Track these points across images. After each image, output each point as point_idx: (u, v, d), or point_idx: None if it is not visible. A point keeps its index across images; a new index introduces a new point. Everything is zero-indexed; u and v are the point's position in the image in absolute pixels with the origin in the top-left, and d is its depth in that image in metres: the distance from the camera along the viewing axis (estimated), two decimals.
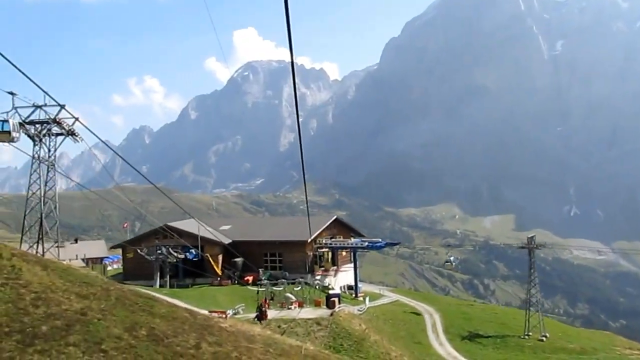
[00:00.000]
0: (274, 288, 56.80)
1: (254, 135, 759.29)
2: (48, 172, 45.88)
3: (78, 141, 44.70)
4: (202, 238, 73.57)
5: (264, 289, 54.54)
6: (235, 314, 47.50)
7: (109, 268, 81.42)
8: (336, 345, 40.68)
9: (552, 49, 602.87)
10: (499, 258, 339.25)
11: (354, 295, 72.98)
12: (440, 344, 54.52)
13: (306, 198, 28.58)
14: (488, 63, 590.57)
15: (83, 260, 79.59)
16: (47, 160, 44.45)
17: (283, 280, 61.09)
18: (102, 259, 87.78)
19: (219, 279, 70.12)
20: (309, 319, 44.90)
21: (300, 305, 52.29)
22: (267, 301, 51.01)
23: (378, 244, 71.76)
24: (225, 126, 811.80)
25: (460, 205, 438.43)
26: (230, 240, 77.62)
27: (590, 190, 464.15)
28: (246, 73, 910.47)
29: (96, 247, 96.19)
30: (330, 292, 60.25)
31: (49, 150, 44.25)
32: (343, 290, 73.07)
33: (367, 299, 65.98)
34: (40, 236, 43.62)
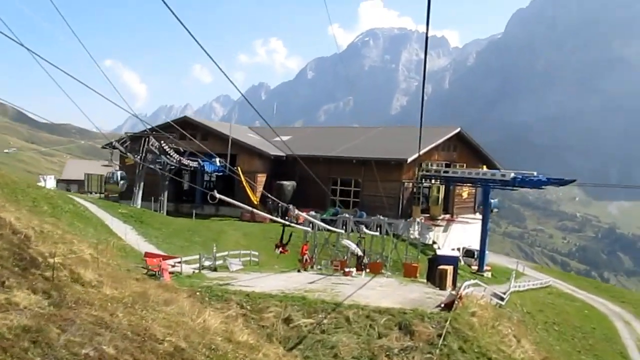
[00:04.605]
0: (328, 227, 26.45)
1: (366, 97, 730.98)
2: None
3: None
4: (237, 144, 43.51)
5: (308, 228, 27.40)
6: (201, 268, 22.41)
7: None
8: None
9: None
10: (625, 250, 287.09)
11: (474, 266, 39.77)
12: None
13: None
14: (627, 34, 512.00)
15: None
16: None
17: (358, 223, 28.90)
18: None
19: (253, 210, 37.45)
20: (385, 310, 15.67)
21: (375, 269, 25.58)
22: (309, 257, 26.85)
23: (535, 179, 37.65)
24: (340, 87, 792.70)
25: (582, 187, 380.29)
26: (283, 154, 46.67)
27: None
28: (367, 38, 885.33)
29: None
30: (439, 253, 27.59)
31: None
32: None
33: (513, 277, 32.99)
34: None
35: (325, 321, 14.94)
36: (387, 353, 13.52)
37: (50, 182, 62.38)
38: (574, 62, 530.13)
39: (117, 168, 46.27)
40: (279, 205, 36.95)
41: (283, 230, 24.43)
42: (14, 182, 31.65)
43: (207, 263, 23.16)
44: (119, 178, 42.40)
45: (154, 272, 19.13)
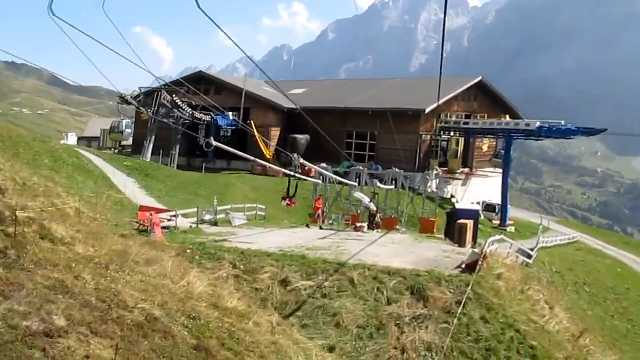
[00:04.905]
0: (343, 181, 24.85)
1: (385, 56, 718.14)
2: None
3: None
4: (251, 97, 40.79)
5: (318, 181, 25.72)
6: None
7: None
8: None
9: None
10: None
11: (496, 221, 36.94)
12: None
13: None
14: None
15: None
16: None
17: (372, 176, 26.17)
18: None
19: (264, 164, 34.43)
20: (396, 272, 12.88)
21: (389, 225, 23.01)
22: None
23: (563, 128, 34.26)
24: (360, 48, 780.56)
25: (605, 141, 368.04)
26: (297, 107, 43.14)
27: None
28: (387, 0, 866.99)
29: None
30: (458, 207, 24.69)
31: None
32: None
33: (541, 231, 30.25)
34: None
35: (327, 284, 12.49)
36: (397, 322, 11.05)
37: (72, 139, 60.86)
38: (595, 17, 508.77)
39: (124, 119, 44.07)
40: (292, 159, 34.46)
41: (289, 182, 22.12)
42: (19, 135, 30.04)
43: (207, 217, 20.81)
44: (124, 127, 40.25)
45: (145, 228, 16.83)
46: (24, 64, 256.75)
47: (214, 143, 11.02)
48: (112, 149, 55.78)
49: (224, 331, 7.79)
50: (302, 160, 16.91)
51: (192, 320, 7.60)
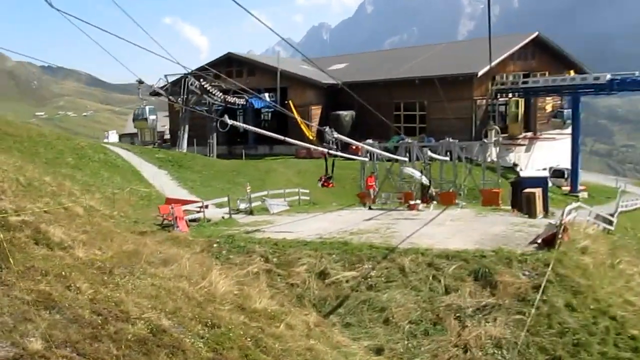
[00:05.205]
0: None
1: (430, 25, 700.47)
2: None
3: None
4: (287, 76, 39.57)
5: (365, 159, 24.06)
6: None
7: None
8: None
9: None
10: None
11: (566, 187, 34.23)
12: None
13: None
14: None
15: None
16: None
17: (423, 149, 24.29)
18: None
19: (308, 146, 32.93)
20: (455, 254, 11.11)
21: (447, 200, 21.10)
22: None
23: (638, 79, 31.16)
24: (401, 18, 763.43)
25: None
26: (338, 82, 41.77)
27: None
28: None
29: None
30: (523, 175, 22.42)
31: None
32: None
33: (620, 194, 27.66)
34: None
35: (372, 273, 10.94)
36: (457, 315, 9.39)
37: (113, 137, 61.51)
38: None
39: (146, 105, 43.06)
40: (324, 134, 33.06)
41: (326, 162, 20.65)
42: (41, 135, 29.98)
43: (242, 206, 19.60)
44: (147, 113, 39.46)
45: (170, 222, 15.75)
46: (60, 67, 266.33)
47: (229, 121, 10.20)
48: (153, 144, 55.83)
49: (248, 339, 6.70)
50: (336, 135, 15.29)
51: (210, 329, 6.67)
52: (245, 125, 12.71)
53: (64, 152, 26.47)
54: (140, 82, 38.47)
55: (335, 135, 16.70)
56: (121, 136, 69.01)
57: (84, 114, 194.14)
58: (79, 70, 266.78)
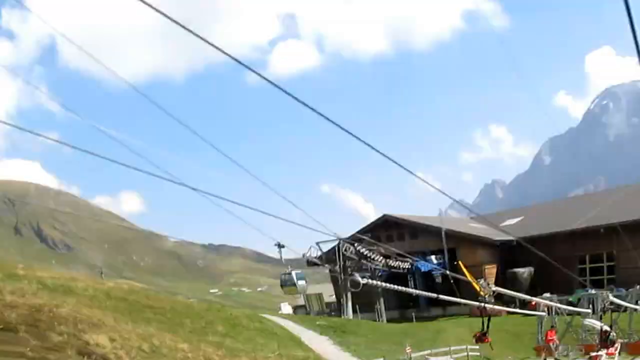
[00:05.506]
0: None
1: (619, 173, 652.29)
2: None
3: None
4: (455, 236, 40.22)
5: (542, 313, 24.38)
6: None
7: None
8: None
9: None
10: None
11: None
12: None
13: None
14: None
15: None
16: None
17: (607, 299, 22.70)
18: None
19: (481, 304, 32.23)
20: None
21: (636, 350, 21.17)
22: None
23: None
24: (584, 167, 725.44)
25: None
26: (513, 239, 41.52)
27: None
28: (605, 102, 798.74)
29: None
30: None
31: None
32: None
33: None
34: None
35: None
36: None
37: (285, 308, 64.05)
38: None
39: (292, 269, 43.45)
40: (480, 286, 31.88)
41: (482, 319, 20.02)
42: (188, 306, 31.08)
43: None
44: (295, 278, 39.67)
45: None
46: (222, 244, 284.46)
47: (361, 280, 10.55)
48: (324, 313, 56.99)
49: None
50: (494, 287, 15.02)
51: None
52: (383, 284, 12.91)
53: (213, 322, 26.83)
54: (281, 246, 40.54)
55: (493, 288, 16.37)
56: (295, 308, 71.84)
57: (259, 288, 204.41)
58: (243, 247, 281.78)
